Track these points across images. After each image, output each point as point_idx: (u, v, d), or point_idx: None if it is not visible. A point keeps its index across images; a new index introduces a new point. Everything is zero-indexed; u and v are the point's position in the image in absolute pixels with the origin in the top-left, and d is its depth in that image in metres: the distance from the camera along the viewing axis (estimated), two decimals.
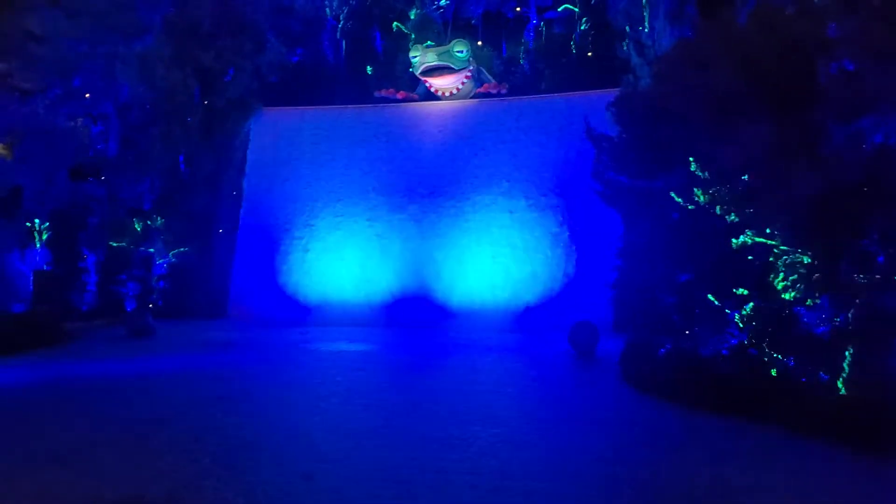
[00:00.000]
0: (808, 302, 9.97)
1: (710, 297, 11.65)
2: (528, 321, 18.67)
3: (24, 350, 15.22)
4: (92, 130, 19.00)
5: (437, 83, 21.84)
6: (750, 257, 10.77)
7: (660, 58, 14.01)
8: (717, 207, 11.09)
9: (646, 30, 17.61)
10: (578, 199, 19.11)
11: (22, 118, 17.09)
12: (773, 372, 10.31)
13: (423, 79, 22.02)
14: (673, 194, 11.98)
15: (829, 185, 9.20)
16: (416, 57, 21.83)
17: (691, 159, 11.28)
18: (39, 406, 11.15)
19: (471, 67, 21.82)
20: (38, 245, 17.92)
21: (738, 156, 10.31)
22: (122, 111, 19.75)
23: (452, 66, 21.41)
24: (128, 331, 17.75)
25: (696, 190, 11.44)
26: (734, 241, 10.86)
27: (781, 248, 10.19)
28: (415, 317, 19.32)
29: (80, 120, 18.46)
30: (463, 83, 21.93)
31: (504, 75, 22.92)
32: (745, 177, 10.54)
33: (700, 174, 11.23)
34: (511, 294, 19.29)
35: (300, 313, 20.19)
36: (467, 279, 19.65)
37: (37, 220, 17.86)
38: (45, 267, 18.02)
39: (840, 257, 9.50)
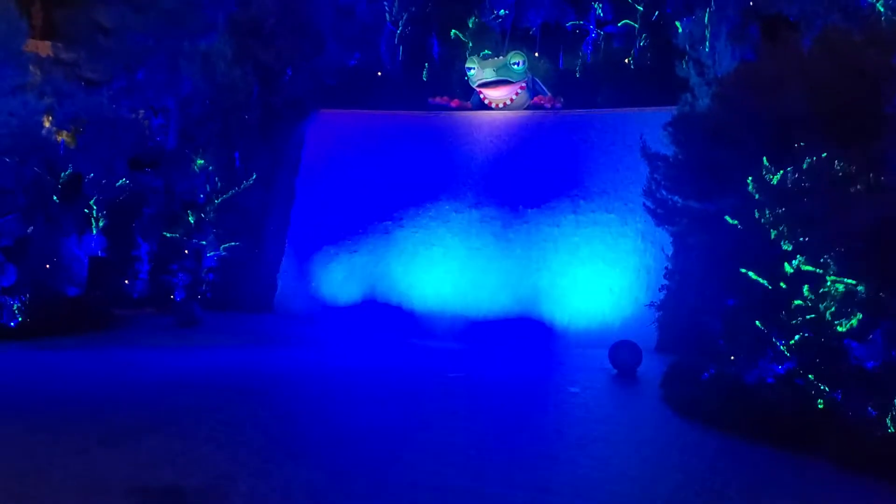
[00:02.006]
0: (863, 335, 9.76)
1: (757, 323, 11.47)
2: (576, 337, 18.41)
3: (77, 333, 15.62)
4: (152, 123, 19.43)
5: (492, 95, 21.83)
6: (805, 286, 10.57)
7: (720, 79, 13.89)
8: (772, 232, 10.93)
9: (706, 49, 17.45)
10: (630, 217, 18.91)
11: (87, 107, 17.56)
12: (820, 404, 10.11)
13: (478, 90, 22.04)
14: (727, 217, 11.82)
15: (888, 215, 9.01)
16: (472, 69, 21.82)
17: (749, 179, 11.09)
18: (90, 389, 11.42)
19: (526, 79, 21.77)
20: (94, 231, 18.32)
21: (798, 181, 10.17)
22: (182, 105, 20.14)
23: (510, 78, 21.40)
24: (176, 320, 18.08)
25: (754, 212, 11.29)
26: (787, 267, 10.69)
27: (834, 277, 9.99)
28: (461, 330, 19.19)
29: (141, 112, 18.88)
30: (517, 93, 21.89)
31: (560, 88, 22.83)
32: (800, 202, 10.37)
33: (756, 197, 11.07)
34: (560, 310, 19.06)
35: (344, 315, 20.27)
36: (513, 293, 19.47)
37: (94, 208, 18.27)
38: (100, 253, 18.43)
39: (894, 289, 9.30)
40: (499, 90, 21.56)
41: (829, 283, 10.24)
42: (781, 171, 10.67)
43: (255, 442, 9.05)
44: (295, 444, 9.12)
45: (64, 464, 7.81)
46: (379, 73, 24.24)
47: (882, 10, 10.86)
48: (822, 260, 10.26)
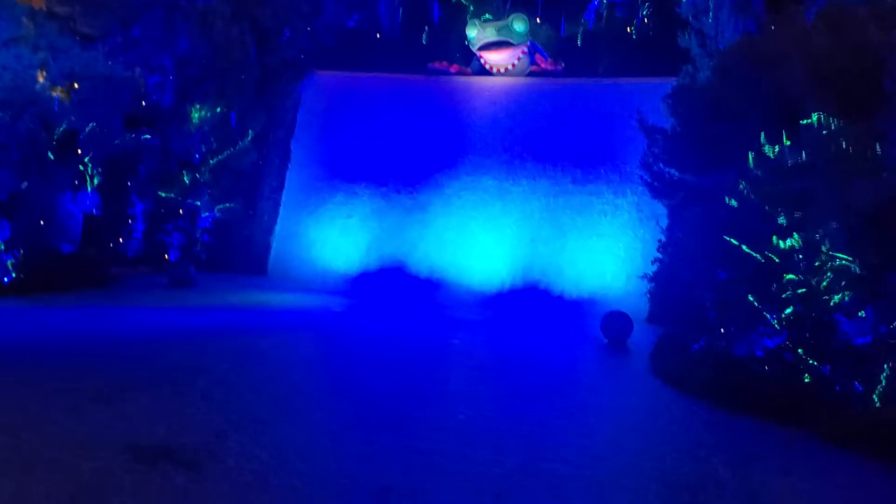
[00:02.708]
0: (853, 312, 9.84)
1: (749, 297, 11.55)
2: (570, 308, 18.51)
3: (71, 290, 15.65)
4: (148, 81, 19.23)
5: (493, 58, 21.63)
6: (799, 256, 10.62)
7: (722, 51, 13.81)
8: (767, 207, 10.96)
9: (710, 20, 17.32)
10: (627, 188, 18.93)
11: (81, 63, 17.37)
12: (807, 378, 10.21)
13: (478, 54, 21.86)
14: (726, 197, 11.83)
15: (888, 194, 9.04)
16: (473, 32, 21.65)
17: (751, 154, 11.10)
18: (84, 346, 11.47)
19: (527, 43, 21.60)
20: (89, 189, 18.25)
21: (797, 157, 10.18)
22: (179, 64, 19.94)
23: (511, 40, 21.22)
24: (170, 280, 18.11)
25: (742, 185, 11.32)
26: (781, 243, 10.73)
27: (831, 253, 10.04)
28: (452, 295, 19.27)
29: (137, 69, 18.67)
30: (519, 59, 21.72)
31: (561, 55, 22.67)
32: (800, 178, 10.39)
33: (755, 172, 11.08)
34: (554, 280, 19.13)
35: (339, 279, 20.30)
36: (511, 261, 19.52)
37: (89, 165, 18.18)
38: (94, 211, 18.37)
39: (890, 268, 9.36)
40: (500, 53, 21.39)
41: (823, 259, 10.31)
42: (779, 147, 10.68)
43: (248, 402, 9.13)
44: (288, 406, 9.21)
45: (58, 420, 7.87)
46: (378, 36, 24.03)
47: None
48: (818, 236, 10.32)
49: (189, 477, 6.60)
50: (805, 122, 10.18)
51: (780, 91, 10.55)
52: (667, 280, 15.55)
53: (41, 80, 16.94)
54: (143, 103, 19.24)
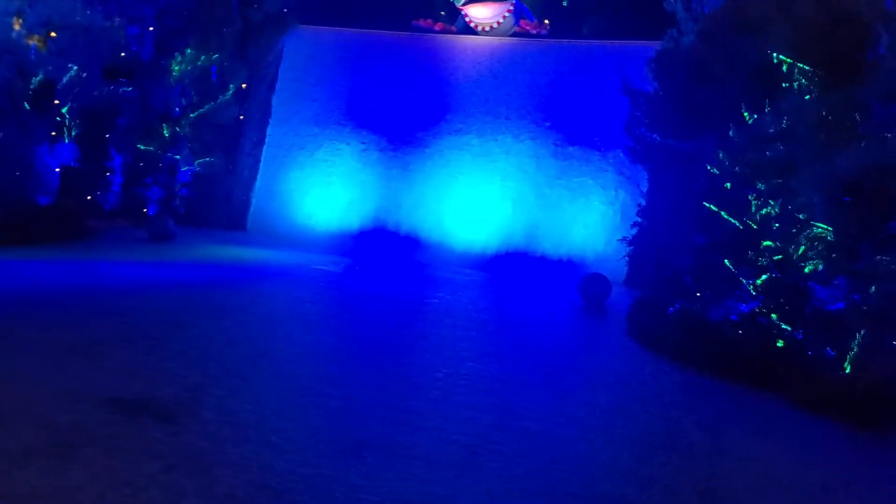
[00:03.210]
0: (827, 279, 9.97)
1: (726, 262, 11.67)
2: (549, 270, 18.63)
3: (48, 242, 15.46)
4: (128, 32, 18.90)
5: (478, 15, 21.41)
6: (776, 225, 10.72)
7: (706, 15, 13.76)
8: (747, 173, 11.03)
9: None
10: (609, 151, 18.95)
11: (59, 11, 17.02)
12: (780, 343, 10.37)
13: (462, 10, 21.63)
14: (707, 166, 11.89)
15: (866, 163, 9.12)
16: None
17: (731, 125, 11.15)
18: (61, 298, 11.40)
19: (513, 1, 21.41)
20: (66, 140, 18.01)
21: (779, 124, 10.24)
22: (159, 15, 19.59)
23: None
24: (149, 234, 17.97)
25: (721, 154, 11.38)
26: (761, 211, 10.82)
27: (809, 222, 10.14)
28: (438, 255, 19.29)
29: (117, 20, 18.33)
30: (504, 17, 21.52)
31: (546, 15, 22.49)
32: (781, 146, 10.45)
33: (736, 139, 11.13)
34: (535, 241, 19.22)
35: (319, 236, 20.26)
36: (493, 222, 19.58)
37: (67, 116, 17.93)
38: (72, 163, 18.15)
39: (865, 237, 9.47)
40: (486, 7, 21.17)
41: (800, 227, 10.41)
42: (759, 114, 10.73)
43: (226, 357, 9.15)
44: (266, 361, 9.25)
45: (34, 372, 7.85)
46: None
47: None
48: (797, 205, 10.41)
49: (165, 430, 6.63)
50: (786, 85, 10.22)
51: (763, 57, 10.56)
52: (646, 244, 15.67)
53: (17, 27, 16.60)
54: (123, 54, 18.91)
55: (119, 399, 7.25)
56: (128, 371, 8.17)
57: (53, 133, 17.77)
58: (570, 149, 19.56)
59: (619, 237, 16.27)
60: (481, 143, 20.22)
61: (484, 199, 19.77)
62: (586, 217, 18.97)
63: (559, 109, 19.98)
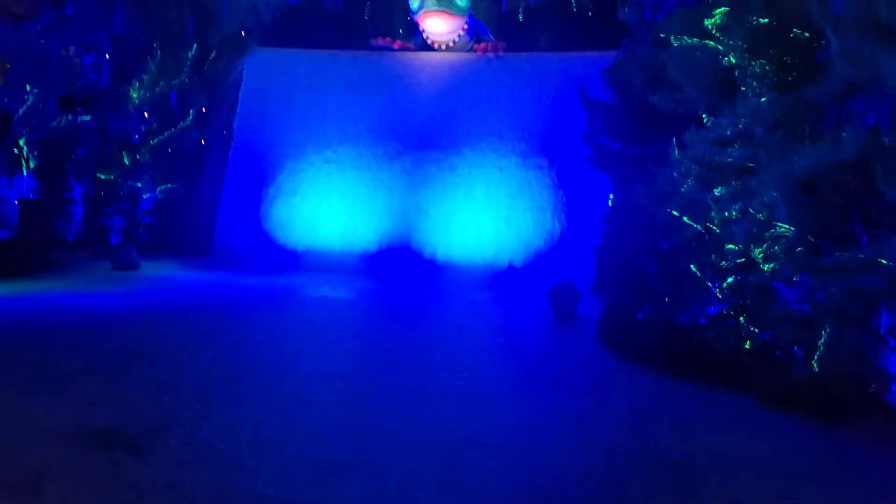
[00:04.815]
0: (790, 278, 10.09)
1: (692, 266, 11.77)
2: (513, 280, 18.75)
3: (8, 276, 15.23)
4: (84, 60, 18.77)
5: (434, 30, 21.56)
6: (737, 227, 10.85)
7: (659, 23, 13.94)
8: (706, 176, 11.17)
9: None
10: (569, 161, 19.12)
11: (14, 43, 16.88)
12: (748, 344, 10.47)
13: (419, 22, 21.75)
14: (666, 168, 12.01)
15: (823, 162, 9.27)
16: (415, 3, 21.60)
17: (689, 129, 11.30)
18: (26, 332, 11.23)
19: (467, 17, 21.58)
20: (25, 173, 17.80)
21: (735, 126, 10.39)
22: (115, 42, 19.48)
23: (451, 11, 21.18)
24: (112, 263, 17.78)
25: (679, 156, 11.53)
26: (722, 214, 10.94)
27: (771, 223, 10.27)
28: (399, 269, 19.36)
29: (72, 49, 18.21)
30: (460, 35, 21.72)
31: (503, 30, 22.70)
32: (739, 148, 10.59)
33: (694, 142, 11.27)
34: (496, 252, 19.34)
35: (283, 257, 20.21)
36: (454, 234, 19.67)
37: (24, 148, 17.71)
38: (31, 195, 17.93)
39: (825, 236, 9.62)
40: (442, 20, 21.30)
41: (760, 227, 10.54)
42: (716, 117, 10.88)
43: (197, 384, 9.04)
44: (238, 386, 9.15)
45: (4, 407, 7.71)
46: (320, 12, 23.76)
47: None
48: (756, 206, 10.54)
49: (132, 461, 6.52)
50: (744, 88, 10.38)
51: (717, 61, 10.72)
52: (612, 251, 15.76)
53: None
54: (80, 83, 18.75)
55: (86, 431, 7.13)
56: (95, 402, 8.05)
57: (11, 166, 17.53)
58: (532, 159, 19.73)
59: (584, 244, 16.42)
60: (444, 156, 20.32)
61: (449, 212, 19.83)
62: (551, 225, 19.11)
63: (520, 121, 20.17)
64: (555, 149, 19.61)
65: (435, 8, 21.09)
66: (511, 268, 19.06)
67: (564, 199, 19.16)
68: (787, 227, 10.13)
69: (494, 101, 20.54)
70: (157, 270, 17.87)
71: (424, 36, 21.93)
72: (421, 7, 21.32)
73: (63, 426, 7.21)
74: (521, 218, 19.38)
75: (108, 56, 19.39)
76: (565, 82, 19.51)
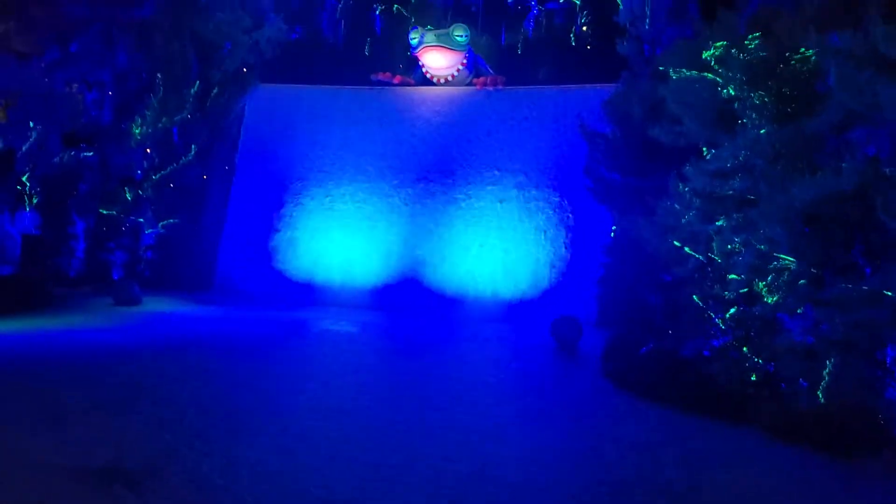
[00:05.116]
0: (794, 309, 10.06)
1: (694, 297, 11.75)
2: (515, 313, 18.71)
3: (11, 313, 15.17)
4: (87, 97, 18.90)
5: (434, 64, 21.76)
6: (740, 258, 10.85)
7: (658, 56, 14.06)
8: (708, 208, 11.19)
9: (647, 27, 17.61)
10: (570, 193, 19.18)
11: (18, 81, 17.00)
12: (753, 376, 10.41)
13: (419, 57, 21.93)
14: (668, 200, 12.04)
15: (823, 193, 9.29)
16: (415, 38, 21.83)
17: (690, 161, 11.34)
18: (26, 369, 11.16)
19: (467, 52, 21.77)
20: (27, 209, 17.84)
21: (735, 159, 10.43)
22: (118, 79, 19.63)
23: (450, 46, 21.39)
24: (114, 299, 17.73)
25: (681, 186, 11.55)
26: (725, 246, 10.95)
27: (774, 254, 10.25)
28: (402, 302, 19.34)
29: (75, 86, 18.34)
30: (458, 70, 21.91)
31: (502, 64, 22.87)
32: (740, 180, 10.62)
33: (695, 174, 11.31)
34: (500, 284, 19.31)
35: (286, 291, 20.19)
36: (457, 267, 19.66)
37: (27, 184, 17.77)
38: (34, 231, 17.96)
39: (828, 266, 9.61)
40: (441, 56, 21.49)
41: (765, 259, 10.53)
42: (716, 149, 10.92)
43: (198, 421, 8.98)
44: (240, 423, 9.07)
45: (5, 444, 7.66)
46: (321, 48, 23.97)
47: None
48: (758, 237, 10.54)
49: (133, 497, 6.46)
50: (745, 120, 10.43)
51: (716, 93, 10.78)
52: (614, 283, 15.78)
53: None
54: (82, 120, 18.87)
55: (87, 468, 7.07)
56: (97, 439, 7.99)
57: (14, 201, 17.58)
58: (534, 191, 19.78)
59: (587, 277, 16.40)
60: (444, 189, 20.39)
61: (452, 244, 19.86)
62: (553, 258, 19.11)
63: (520, 154, 20.27)
64: (555, 181, 19.66)
65: (434, 43, 21.32)
66: (514, 299, 19.02)
67: (566, 231, 19.17)
68: (789, 259, 10.13)
69: (494, 134, 20.66)
70: (159, 305, 17.83)
71: (424, 70, 22.12)
72: (420, 43, 21.56)
73: (65, 463, 7.15)
74: (521, 249, 19.38)
75: (110, 92, 19.53)
76: (566, 114, 19.65)
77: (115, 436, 8.17)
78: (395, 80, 22.49)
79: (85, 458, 7.36)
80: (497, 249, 19.54)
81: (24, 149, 17.42)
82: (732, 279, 11.03)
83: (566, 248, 19.01)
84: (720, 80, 10.75)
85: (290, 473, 7.39)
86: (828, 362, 9.50)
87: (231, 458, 7.70)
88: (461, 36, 21.28)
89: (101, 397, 9.70)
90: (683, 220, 11.83)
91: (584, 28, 22.31)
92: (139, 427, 8.54)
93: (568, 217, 19.26)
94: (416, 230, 20.15)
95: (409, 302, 19.27)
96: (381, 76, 22.57)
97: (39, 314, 15.73)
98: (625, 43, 17.56)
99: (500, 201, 19.92)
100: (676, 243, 11.93)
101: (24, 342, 13.11)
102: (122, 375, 11.03)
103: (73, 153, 18.71)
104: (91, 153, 19.13)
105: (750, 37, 10.53)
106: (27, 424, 8.33)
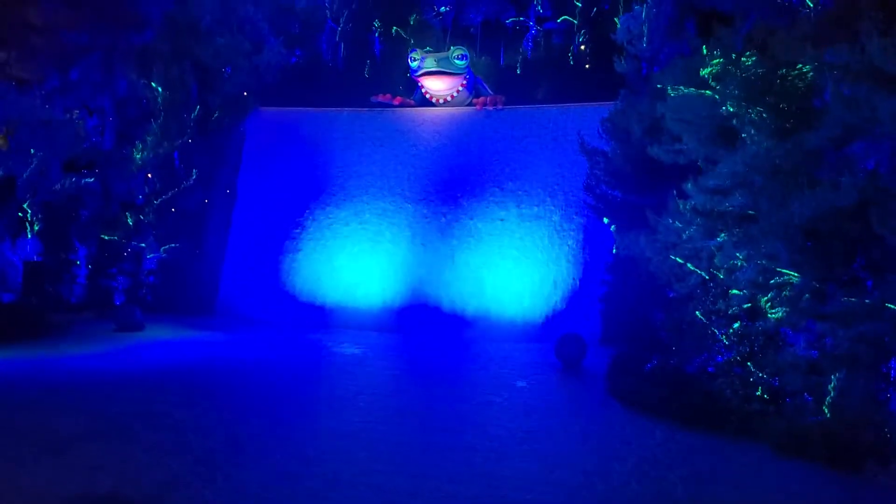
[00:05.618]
0: (798, 324, 10.03)
1: (697, 313, 11.72)
2: (520, 331, 18.63)
3: (13, 340, 15.15)
4: (88, 123, 18.95)
5: (434, 87, 21.88)
6: (741, 274, 10.83)
7: (657, 74, 14.10)
8: (708, 225, 11.18)
9: (644, 45, 17.67)
10: (571, 211, 19.17)
11: (18, 108, 17.03)
12: (758, 391, 10.37)
13: (419, 81, 22.05)
14: (669, 217, 12.04)
15: (823, 208, 9.28)
16: (414, 61, 21.93)
17: (690, 178, 11.35)
18: (31, 396, 11.15)
19: (467, 74, 21.87)
20: (29, 235, 17.86)
21: (734, 175, 10.43)
22: (118, 105, 19.70)
23: (450, 70, 21.50)
24: (116, 325, 17.69)
25: (682, 206, 11.54)
26: (727, 261, 10.93)
27: (776, 269, 10.24)
28: (405, 322, 19.30)
29: (76, 112, 18.40)
30: (458, 91, 22.00)
31: (501, 84, 22.97)
32: (740, 197, 10.61)
33: (695, 191, 11.30)
34: (503, 303, 19.25)
35: (289, 314, 20.13)
36: (460, 286, 19.61)
37: (28, 211, 17.79)
38: (35, 258, 17.96)
39: (830, 281, 9.58)
40: (441, 80, 21.61)
41: (766, 274, 10.51)
42: (716, 166, 10.93)
43: (200, 447, 8.94)
44: (243, 449, 9.02)
45: (5, 473, 7.62)
46: (320, 71, 24.09)
47: (811, 4, 11.17)
48: (760, 252, 10.52)
49: None
50: (744, 136, 10.44)
51: (714, 111, 10.80)
52: (617, 300, 15.73)
53: None
54: (83, 146, 18.90)
55: (90, 496, 7.03)
56: (99, 467, 7.96)
57: (16, 229, 17.59)
58: (534, 209, 19.77)
59: (589, 295, 16.36)
60: (446, 209, 20.38)
61: (451, 264, 19.83)
62: (556, 276, 19.05)
63: (520, 172, 20.29)
64: (556, 199, 19.65)
65: (434, 69, 21.43)
66: (517, 318, 18.93)
67: (568, 249, 19.13)
68: (791, 273, 10.11)
69: (494, 154, 20.70)
70: (161, 330, 17.78)
71: (424, 91, 22.21)
72: (420, 67, 21.65)
73: (65, 492, 7.11)
74: (523, 268, 19.33)
75: (111, 118, 19.59)
76: (565, 133, 19.70)
77: (117, 464, 8.13)
78: (395, 102, 22.58)
79: (86, 487, 7.31)
80: (499, 268, 19.49)
81: (25, 176, 17.42)
82: (735, 294, 11.00)
83: (568, 265, 18.97)
84: (718, 97, 10.76)
85: (296, 499, 7.34)
86: (833, 377, 9.46)
87: (234, 484, 7.66)
88: (460, 59, 21.40)
89: (102, 425, 9.66)
90: (684, 237, 11.82)
91: (583, 47, 22.43)
92: (141, 455, 8.50)
93: (569, 235, 19.24)
94: (418, 250, 20.13)
95: (412, 321, 19.21)
96: (381, 98, 22.66)
97: (41, 342, 15.71)
98: (623, 61, 17.63)
99: (501, 220, 19.91)
100: (678, 260, 11.91)
101: (24, 369, 13.09)
102: (124, 402, 11.00)
103: (74, 179, 18.72)
104: (92, 179, 19.14)
105: (747, 53, 10.57)
106: (26, 454, 8.30)
